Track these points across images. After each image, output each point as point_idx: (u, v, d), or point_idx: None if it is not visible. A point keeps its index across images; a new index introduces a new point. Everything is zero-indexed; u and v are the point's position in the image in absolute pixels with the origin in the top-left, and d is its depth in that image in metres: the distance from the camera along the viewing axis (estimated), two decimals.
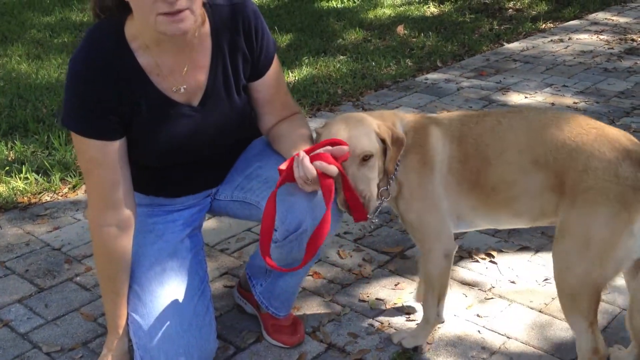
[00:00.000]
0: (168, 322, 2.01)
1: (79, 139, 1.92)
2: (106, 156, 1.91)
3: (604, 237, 1.84)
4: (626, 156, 1.84)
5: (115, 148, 1.92)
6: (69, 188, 3.48)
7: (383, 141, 2.03)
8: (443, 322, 2.34)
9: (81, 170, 2.04)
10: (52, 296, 2.63)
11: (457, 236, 2.99)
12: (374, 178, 2.02)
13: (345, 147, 1.91)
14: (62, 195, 3.43)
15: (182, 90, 1.97)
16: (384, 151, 2.04)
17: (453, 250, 2.16)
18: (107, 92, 1.87)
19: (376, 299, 2.59)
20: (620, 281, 2.31)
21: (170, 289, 2.05)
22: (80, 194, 3.44)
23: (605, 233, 1.83)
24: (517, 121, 2.03)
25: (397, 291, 2.63)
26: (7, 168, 3.62)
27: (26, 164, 3.64)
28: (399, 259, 2.84)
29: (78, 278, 2.74)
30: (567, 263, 1.92)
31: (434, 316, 2.26)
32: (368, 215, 2.00)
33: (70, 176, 3.55)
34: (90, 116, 1.88)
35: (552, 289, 2.56)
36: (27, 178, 3.51)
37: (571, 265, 1.91)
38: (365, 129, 2.02)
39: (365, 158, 1.98)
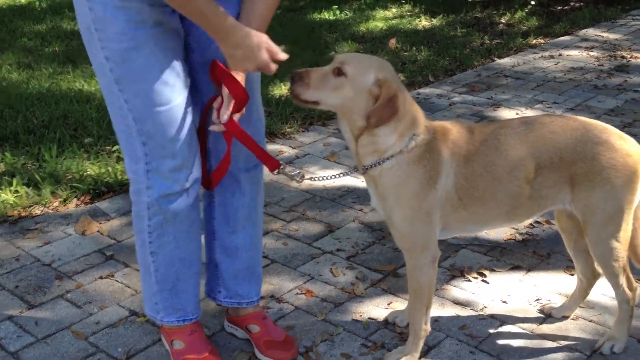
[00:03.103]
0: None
1: None
2: None
3: (629, 199, 2.16)
4: (612, 132, 2.17)
5: None
6: (59, 202, 3.46)
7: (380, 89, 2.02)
8: (430, 331, 2.35)
9: None
10: (42, 313, 2.61)
11: (449, 255, 3.00)
12: (328, 91, 2.02)
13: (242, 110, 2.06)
14: (52, 209, 3.41)
15: None
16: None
17: (438, 257, 2.22)
18: None
19: (369, 318, 2.58)
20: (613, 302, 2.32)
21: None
22: (71, 207, 3.43)
23: (628, 196, 2.16)
24: (513, 136, 2.16)
25: (390, 310, 2.62)
26: None
27: (16, 176, 3.61)
28: (391, 277, 2.84)
29: (69, 295, 2.72)
30: (607, 233, 2.20)
31: (421, 327, 2.28)
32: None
33: (61, 189, 3.53)
34: None
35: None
36: (17, 191, 3.49)
37: (611, 234, 2.19)
38: (370, 62, 2.06)
39: (339, 72, 2.01)
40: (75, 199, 3.49)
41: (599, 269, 2.37)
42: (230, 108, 2.04)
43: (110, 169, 3.72)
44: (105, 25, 1.90)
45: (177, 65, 2.00)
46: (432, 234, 2.19)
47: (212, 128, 2.09)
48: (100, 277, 2.84)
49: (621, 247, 2.22)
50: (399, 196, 2.13)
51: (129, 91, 1.98)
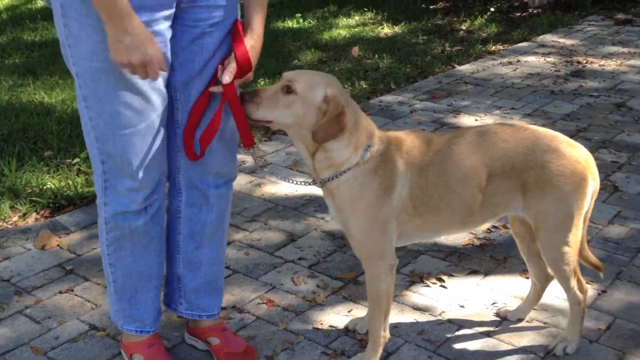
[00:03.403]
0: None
1: None
2: None
3: (578, 205, 2.24)
4: (561, 140, 2.25)
5: None
6: (19, 216, 3.44)
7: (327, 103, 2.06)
8: (389, 338, 2.39)
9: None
10: (1, 330, 2.59)
11: (409, 261, 3.05)
12: (279, 109, 2.06)
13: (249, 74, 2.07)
14: (11, 224, 3.38)
15: None
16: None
17: (395, 264, 2.27)
18: None
19: (330, 326, 2.62)
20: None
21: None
22: (31, 222, 3.41)
23: (578, 202, 2.23)
24: (466, 146, 2.21)
25: (350, 318, 2.66)
26: None
27: None
28: (352, 285, 2.88)
29: (28, 310, 2.71)
30: (559, 238, 2.27)
31: (380, 334, 2.32)
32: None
33: (21, 204, 3.51)
34: None
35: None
36: None
37: (562, 239, 2.26)
38: (318, 79, 2.10)
39: (289, 90, 2.05)
40: (34, 213, 3.47)
41: (552, 273, 2.44)
42: (233, 71, 2.04)
43: (70, 182, 3.71)
44: (78, 42, 1.92)
45: (148, 89, 1.99)
46: (389, 243, 2.23)
47: (212, 89, 2.10)
48: (60, 292, 2.83)
49: (572, 251, 2.28)
50: (355, 207, 2.17)
51: (93, 110, 2.00)
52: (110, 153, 2.04)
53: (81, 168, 3.91)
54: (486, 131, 2.27)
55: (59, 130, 4.41)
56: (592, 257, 2.50)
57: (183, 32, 2.04)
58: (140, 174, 2.07)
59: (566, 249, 2.27)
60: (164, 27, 1.97)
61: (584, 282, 2.40)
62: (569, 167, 2.19)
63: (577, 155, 2.23)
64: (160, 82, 2.01)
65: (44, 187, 3.66)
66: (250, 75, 2.10)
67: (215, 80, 2.10)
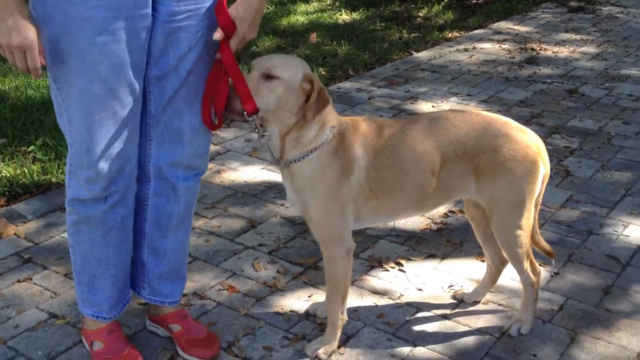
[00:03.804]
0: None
1: None
2: None
3: (530, 189, 2.30)
4: (512, 126, 2.30)
5: None
6: None
7: (311, 84, 2.09)
8: (347, 320, 2.43)
9: None
10: None
11: (368, 246, 3.10)
12: (265, 95, 2.07)
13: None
14: None
15: None
16: (307, 100, 2.10)
17: (353, 248, 2.31)
18: None
19: (290, 311, 2.65)
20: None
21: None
22: None
23: (529, 186, 2.29)
24: (419, 131, 2.27)
25: (311, 302, 2.70)
26: None
27: None
28: (312, 270, 2.92)
29: None
30: (511, 221, 2.33)
31: (338, 317, 2.37)
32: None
33: None
34: None
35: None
36: None
37: (514, 222, 2.33)
38: (294, 61, 2.14)
39: (269, 76, 2.07)
40: None
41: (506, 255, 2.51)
42: (221, 33, 2.03)
43: (26, 170, 3.66)
44: (45, 24, 1.90)
45: (112, 79, 1.97)
46: (346, 226, 2.28)
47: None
48: (18, 281, 2.80)
49: (524, 234, 2.36)
50: (315, 188, 2.21)
51: (64, 92, 1.99)
52: (75, 138, 2.04)
53: (37, 156, 3.85)
54: (439, 117, 2.34)
55: (13, 117, 4.34)
56: (544, 243, 2.58)
57: (157, 26, 2.02)
58: (99, 165, 2.06)
59: (518, 232, 2.34)
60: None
61: (536, 264, 2.48)
62: (520, 152, 2.26)
63: (528, 140, 2.29)
64: (129, 73, 1.99)
65: None
66: (247, 35, 2.05)
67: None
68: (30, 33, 1.84)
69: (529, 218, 2.35)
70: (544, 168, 2.33)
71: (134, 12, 1.93)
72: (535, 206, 2.40)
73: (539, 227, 3.19)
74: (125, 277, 2.35)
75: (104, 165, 2.06)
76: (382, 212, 2.34)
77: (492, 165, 2.27)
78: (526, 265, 2.42)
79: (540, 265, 2.90)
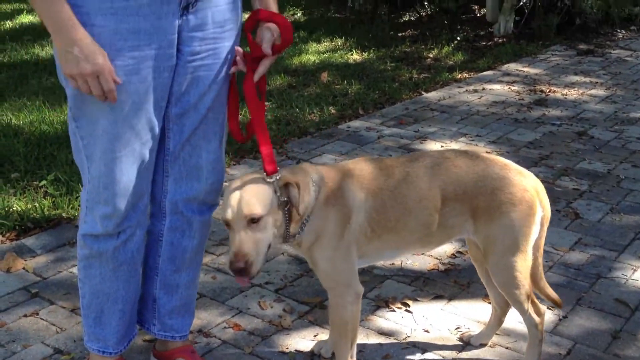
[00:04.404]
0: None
1: None
2: None
3: (525, 232, 2.30)
4: (511, 169, 2.33)
5: None
6: None
7: (285, 188, 2.10)
8: None
9: None
10: None
11: (375, 285, 3.09)
12: (264, 238, 2.07)
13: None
14: None
15: None
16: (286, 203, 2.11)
17: (362, 293, 2.31)
18: None
19: (296, 350, 2.64)
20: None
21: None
22: None
23: (524, 229, 2.30)
24: (421, 170, 2.30)
25: (316, 342, 2.68)
26: None
27: None
28: (318, 309, 2.91)
29: None
30: (506, 263, 2.32)
31: None
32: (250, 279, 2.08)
33: None
34: None
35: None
36: None
37: (510, 263, 2.32)
38: (258, 189, 2.08)
39: (254, 220, 2.04)
40: (0, 236, 3.44)
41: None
42: (270, 40, 2.10)
43: (37, 205, 3.69)
44: None
45: (134, 117, 2.00)
46: (353, 270, 2.28)
47: (233, 69, 2.15)
48: (25, 315, 2.81)
49: (521, 276, 2.34)
50: (320, 241, 2.23)
51: (84, 130, 2.03)
52: (93, 175, 2.07)
53: (48, 190, 3.89)
54: (440, 156, 2.37)
55: (26, 152, 4.39)
56: (550, 290, 2.54)
57: (180, 66, 2.06)
58: (116, 201, 2.09)
59: (515, 273, 2.33)
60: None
61: (539, 305, 2.46)
62: (517, 195, 2.27)
63: (527, 183, 2.31)
64: (150, 111, 2.03)
65: (10, 210, 3.64)
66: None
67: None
68: (99, 57, 1.85)
69: (525, 260, 2.33)
70: (542, 211, 2.33)
71: (160, 51, 1.97)
72: (537, 249, 2.39)
73: (548, 270, 3.19)
74: (132, 311, 2.35)
75: (120, 202, 2.09)
76: (386, 250, 2.35)
77: (489, 207, 2.28)
78: (527, 306, 2.40)
79: (548, 308, 2.88)
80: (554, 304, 2.58)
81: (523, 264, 2.33)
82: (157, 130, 2.09)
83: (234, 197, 2.06)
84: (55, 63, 2.00)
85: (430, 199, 2.27)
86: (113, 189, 2.07)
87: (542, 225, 2.35)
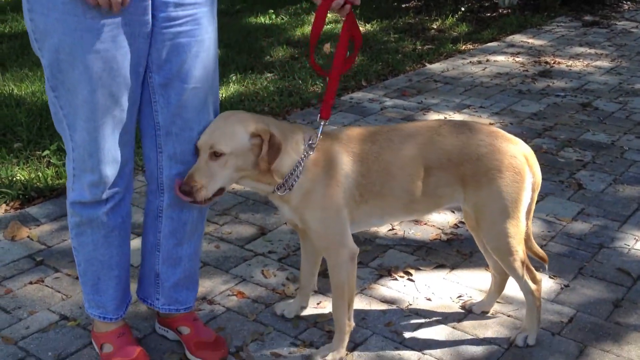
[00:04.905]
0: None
1: None
2: None
3: (515, 198, 2.30)
4: (497, 136, 2.32)
5: None
6: None
7: (259, 137, 2.14)
8: (354, 326, 2.44)
9: None
10: None
11: (377, 255, 3.10)
12: (221, 175, 2.13)
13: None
14: None
15: None
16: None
17: (357, 253, 2.34)
18: None
19: (298, 317, 2.66)
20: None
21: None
22: (1, 213, 3.39)
23: (514, 195, 2.30)
24: (405, 138, 2.32)
25: (319, 309, 2.71)
26: None
27: None
28: (321, 278, 2.92)
29: None
30: (498, 230, 2.34)
31: (345, 323, 2.38)
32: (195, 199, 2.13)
33: None
34: None
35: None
36: None
37: (502, 230, 2.33)
38: (234, 127, 2.14)
39: (216, 154, 2.11)
40: (4, 205, 3.45)
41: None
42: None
43: (40, 174, 3.70)
44: (44, 36, 1.94)
45: (113, 84, 2.00)
46: (346, 230, 2.31)
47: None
48: (30, 283, 2.83)
49: (514, 242, 2.35)
50: (309, 201, 2.25)
51: (63, 99, 2.02)
52: (77, 143, 2.07)
53: (51, 160, 3.89)
54: (424, 125, 2.39)
55: (29, 122, 4.39)
56: (537, 248, 2.59)
57: (157, 33, 2.05)
58: (102, 168, 2.10)
59: (508, 239, 2.34)
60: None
61: (536, 272, 2.47)
62: (505, 162, 2.28)
63: (514, 150, 2.31)
64: (127, 77, 2.02)
65: (14, 179, 3.65)
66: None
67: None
68: None
69: (517, 226, 2.34)
70: (532, 177, 2.34)
71: (133, 17, 1.97)
72: (528, 213, 2.41)
73: (550, 239, 3.21)
74: (126, 277, 2.37)
75: (106, 169, 2.10)
76: (374, 215, 2.37)
77: (475, 175, 2.29)
78: (522, 272, 2.41)
79: (550, 277, 2.90)
80: (541, 260, 2.60)
81: (515, 230, 2.34)
82: (135, 95, 2.10)
83: (211, 127, 2.17)
84: (28, 36, 2.01)
85: (412, 166, 2.29)
86: (98, 156, 2.08)
87: (533, 191, 2.37)
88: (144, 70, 2.09)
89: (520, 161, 2.30)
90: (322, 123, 2.27)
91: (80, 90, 1.98)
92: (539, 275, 2.49)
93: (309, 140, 2.25)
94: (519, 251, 2.37)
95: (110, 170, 2.12)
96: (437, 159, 2.29)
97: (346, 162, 2.26)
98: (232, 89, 5.37)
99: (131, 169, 2.22)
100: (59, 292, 2.78)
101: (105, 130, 2.05)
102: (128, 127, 2.12)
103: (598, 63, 6.33)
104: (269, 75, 5.78)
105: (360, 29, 7.51)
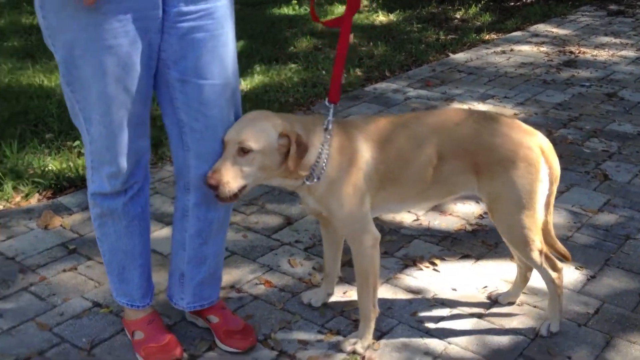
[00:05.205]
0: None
1: None
2: None
3: (529, 189, 2.30)
4: (513, 127, 2.34)
5: None
6: (21, 197, 3.50)
7: (287, 138, 2.16)
8: (379, 312, 2.47)
9: None
10: (7, 305, 2.66)
11: (402, 245, 3.13)
12: (247, 172, 2.14)
13: None
14: (14, 204, 3.45)
15: None
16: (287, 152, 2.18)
17: (379, 239, 2.37)
18: None
19: (325, 305, 2.70)
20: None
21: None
22: (34, 202, 3.47)
23: (528, 186, 2.30)
24: (422, 127, 2.35)
25: (345, 299, 2.74)
26: None
27: None
28: (347, 267, 2.96)
29: (33, 287, 2.78)
30: (512, 221, 2.35)
31: (370, 309, 2.42)
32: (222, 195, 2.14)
33: (23, 185, 3.57)
34: None
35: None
36: None
37: (516, 221, 2.34)
38: (263, 125, 2.16)
39: (244, 150, 2.13)
40: (37, 194, 3.53)
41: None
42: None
43: (71, 164, 3.77)
44: (57, 33, 1.99)
45: (126, 78, 2.04)
46: (368, 217, 2.35)
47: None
48: (64, 270, 2.90)
49: (530, 233, 2.36)
50: (334, 188, 2.28)
51: (79, 94, 2.07)
52: (94, 136, 2.13)
53: (82, 151, 3.96)
54: (441, 114, 2.43)
55: (59, 113, 4.46)
56: (559, 245, 2.57)
57: (169, 27, 2.07)
58: (119, 160, 2.15)
59: (523, 231, 2.35)
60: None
61: (556, 261, 2.48)
62: (519, 153, 2.28)
63: (530, 141, 2.31)
64: (139, 70, 2.05)
65: (46, 169, 3.72)
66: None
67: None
68: None
69: (532, 217, 2.34)
70: (548, 169, 2.33)
71: (144, 13, 2.00)
72: (547, 207, 2.41)
73: (576, 231, 3.21)
74: (149, 265, 2.44)
75: (124, 160, 2.15)
76: (391, 201, 2.40)
77: (489, 164, 2.30)
78: (540, 261, 2.42)
79: (576, 268, 2.91)
80: (564, 258, 2.59)
81: (531, 221, 2.34)
82: (149, 89, 2.14)
83: (239, 124, 2.19)
84: (40, 30, 2.05)
85: (426, 155, 2.31)
86: (115, 149, 2.13)
87: (551, 183, 2.37)
88: (155, 64, 2.12)
89: (535, 153, 2.30)
90: (331, 106, 2.29)
91: (95, 85, 2.02)
92: (559, 263, 2.50)
93: (325, 126, 2.27)
94: (536, 241, 2.38)
95: (128, 162, 2.17)
96: (451, 147, 2.31)
97: (366, 149, 2.29)
98: (256, 80, 5.40)
99: (147, 160, 2.28)
100: (92, 279, 2.85)
101: (121, 123, 2.10)
102: (143, 119, 2.17)
103: (623, 53, 6.28)
104: (293, 66, 5.81)
105: (383, 18, 7.55)
